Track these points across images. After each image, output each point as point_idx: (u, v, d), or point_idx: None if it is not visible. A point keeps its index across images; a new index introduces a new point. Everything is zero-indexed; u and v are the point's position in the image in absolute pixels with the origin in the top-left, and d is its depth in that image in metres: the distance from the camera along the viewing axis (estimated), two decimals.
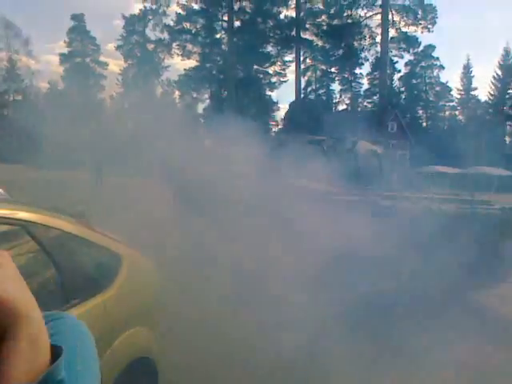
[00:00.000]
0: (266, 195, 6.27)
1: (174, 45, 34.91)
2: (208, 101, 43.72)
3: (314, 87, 65.10)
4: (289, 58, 31.94)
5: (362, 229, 5.38)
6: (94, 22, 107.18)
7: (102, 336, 2.09)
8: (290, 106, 33.68)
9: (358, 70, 62.32)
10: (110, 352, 2.13)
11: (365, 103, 65.54)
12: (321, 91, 64.78)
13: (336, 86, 65.55)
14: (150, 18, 38.93)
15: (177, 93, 55.09)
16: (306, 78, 63.70)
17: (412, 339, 4.39)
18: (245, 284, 5.09)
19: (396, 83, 66.71)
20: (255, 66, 33.60)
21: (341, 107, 67.15)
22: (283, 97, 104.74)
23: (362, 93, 65.37)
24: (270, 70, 34.09)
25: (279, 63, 33.24)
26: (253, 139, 6.73)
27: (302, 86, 65.52)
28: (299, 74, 27.87)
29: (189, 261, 5.44)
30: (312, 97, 66.54)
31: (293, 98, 56.18)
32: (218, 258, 5.54)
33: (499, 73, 64.96)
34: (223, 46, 32.20)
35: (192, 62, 39.91)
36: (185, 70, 40.00)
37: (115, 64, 64.56)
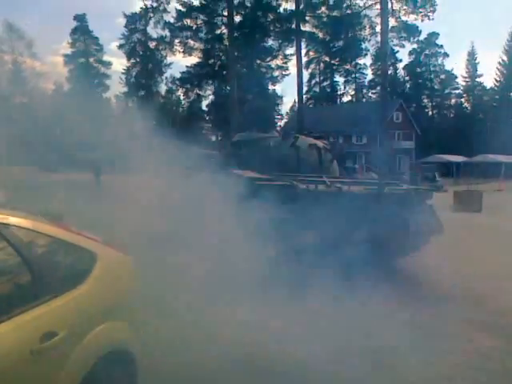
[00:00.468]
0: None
1: (176, 42, 35.10)
2: (211, 97, 44.16)
3: (318, 80, 65.08)
4: (290, 51, 32.02)
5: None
6: (97, 22, 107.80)
7: (74, 330, 2.19)
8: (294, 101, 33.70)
9: (361, 61, 62.21)
10: (83, 345, 2.22)
11: (369, 94, 65.36)
12: (325, 83, 64.72)
13: (340, 78, 65.66)
14: (151, 15, 39.05)
15: (180, 90, 55.47)
16: (310, 70, 63.71)
17: None
18: None
19: (400, 72, 66.44)
20: (257, 61, 33.63)
21: (346, 99, 67.14)
22: (288, 90, 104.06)
23: (366, 83, 65.31)
24: (272, 64, 34.22)
25: (281, 57, 33.32)
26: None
27: (306, 79, 65.51)
28: (300, 66, 27.78)
29: None
30: (316, 89, 66.48)
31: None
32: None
33: (504, 58, 64.33)
34: (224, 42, 32.22)
35: (194, 59, 40.19)
36: (187, 66, 40.19)
37: (120, 63, 64.76)
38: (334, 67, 56.38)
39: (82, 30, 62.08)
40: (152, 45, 50.11)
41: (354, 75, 63.68)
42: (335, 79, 63.57)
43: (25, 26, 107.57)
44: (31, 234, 2.27)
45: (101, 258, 2.64)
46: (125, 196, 7.62)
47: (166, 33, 35.94)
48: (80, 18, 62.01)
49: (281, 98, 69.84)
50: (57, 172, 35.67)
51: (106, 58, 65.33)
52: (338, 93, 65.63)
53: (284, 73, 34.54)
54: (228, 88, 31.98)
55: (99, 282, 2.55)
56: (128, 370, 2.62)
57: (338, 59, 52.18)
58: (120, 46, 55.25)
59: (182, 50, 35.08)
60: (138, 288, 2.99)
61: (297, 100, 30.34)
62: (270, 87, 46.82)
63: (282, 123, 62.88)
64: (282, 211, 6.15)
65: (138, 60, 54.45)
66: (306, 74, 64.45)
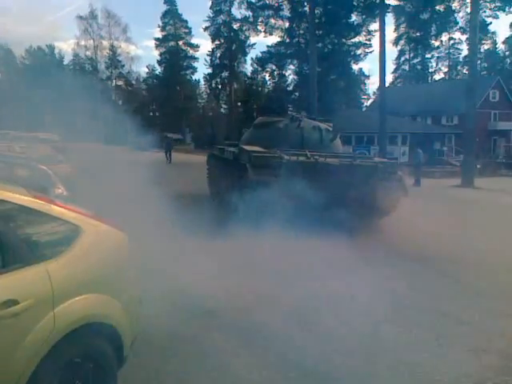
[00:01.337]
0: None
1: (258, 21, 34.94)
2: (292, 77, 43.69)
3: (407, 57, 61.83)
4: (375, 26, 30.45)
5: None
6: (187, 5, 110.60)
7: (42, 299, 2.26)
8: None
9: (456, 36, 57.95)
10: (52, 316, 2.28)
11: (464, 71, 60.84)
12: (415, 60, 61.30)
13: (433, 54, 61.71)
14: None
15: (267, 70, 55.49)
16: (399, 47, 60.66)
17: None
18: None
19: (500, 47, 61.03)
20: (340, 39, 32.58)
21: (438, 77, 63.18)
22: (377, 69, 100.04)
23: (460, 60, 60.83)
24: (355, 41, 32.91)
25: (364, 33, 31.91)
26: None
27: (395, 56, 62.45)
28: (384, 42, 26.46)
29: None
30: (406, 67, 63.23)
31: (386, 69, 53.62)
32: None
33: None
34: (306, 19, 31.53)
35: (275, 38, 39.65)
36: (267, 46, 39.88)
37: (208, 45, 66.18)
38: (428, 42, 52.59)
39: (171, 14, 64.14)
40: (236, 26, 50.60)
41: (447, 51, 59.63)
42: (426, 56, 59.90)
43: (121, 11, 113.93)
44: (4, 205, 2.37)
45: (85, 232, 2.69)
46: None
47: (249, 13, 36.09)
48: (170, 2, 64.08)
49: (368, 76, 67.56)
50: (147, 151, 37.93)
51: (194, 40, 67.32)
52: (430, 70, 61.88)
53: (367, 50, 33.14)
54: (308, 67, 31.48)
55: (80, 255, 2.59)
56: (111, 343, 2.66)
57: (426, 34, 48.72)
58: (205, 28, 56.40)
59: (263, 30, 35.04)
60: (131, 264, 3.03)
61: (383, 79, 28.86)
62: (355, 66, 45.43)
63: (368, 103, 61.01)
64: (268, 175, 8.30)
65: (222, 41, 55.29)
66: (394, 51, 61.65)
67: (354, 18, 31.38)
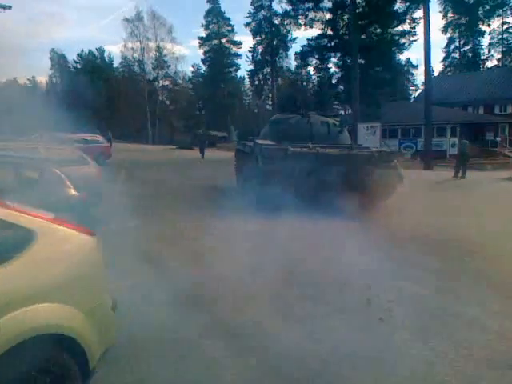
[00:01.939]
0: None
1: (299, 15, 34.43)
2: (333, 69, 42.80)
3: (457, 44, 59.29)
4: (420, 13, 29.12)
5: None
6: (229, 2, 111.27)
7: None
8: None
9: (510, 19, 54.90)
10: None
11: None
12: (466, 48, 58.69)
13: (484, 40, 58.79)
14: None
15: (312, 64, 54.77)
16: (449, 34, 58.24)
17: None
18: None
19: None
20: (383, 28, 31.55)
21: (490, 64, 60.16)
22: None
23: None
24: (400, 30, 31.67)
25: (409, 21, 30.61)
26: None
27: (444, 44, 60.02)
28: (428, 30, 25.31)
29: None
30: (456, 55, 60.67)
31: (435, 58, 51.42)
32: None
33: None
34: (347, 10, 30.77)
35: (316, 31, 38.79)
36: (307, 39, 39.23)
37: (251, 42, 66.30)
38: (474, 28, 50.10)
39: (214, 12, 64.68)
40: (277, 21, 50.23)
41: (500, 36, 56.63)
42: (478, 42, 57.17)
43: (167, 12, 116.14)
44: None
45: (41, 237, 2.56)
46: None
47: (290, 7, 35.64)
48: (212, 0, 64.61)
49: (416, 66, 65.36)
50: (191, 149, 38.63)
51: (237, 37, 67.59)
52: (482, 58, 59.02)
53: (412, 39, 31.84)
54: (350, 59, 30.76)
55: (32, 261, 2.46)
56: (73, 356, 2.54)
57: (474, 18, 46.22)
58: (246, 24, 56.37)
59: (303, 23, 34.51)
60: (98, 270, 2.90)
61: (429, 68, 27.74)
62: (401, 56, 43.85)
63: (416, 94, 58.97)
64: (275, 164, 9.68)
65: (263, 37, 55.13)
66: (444, 39, 59.23)
67: (397, 5, 30.28)
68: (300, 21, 36.52)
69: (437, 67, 69.89)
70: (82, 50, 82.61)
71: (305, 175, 9.38)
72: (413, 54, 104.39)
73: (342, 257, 6.32)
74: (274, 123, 12.69)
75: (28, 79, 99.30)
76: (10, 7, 43.93)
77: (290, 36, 50.40)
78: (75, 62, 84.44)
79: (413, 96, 61.67)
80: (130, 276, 5.45)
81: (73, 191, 5.44)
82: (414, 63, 66.53)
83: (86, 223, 5.56)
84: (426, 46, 26.13)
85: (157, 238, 7.57)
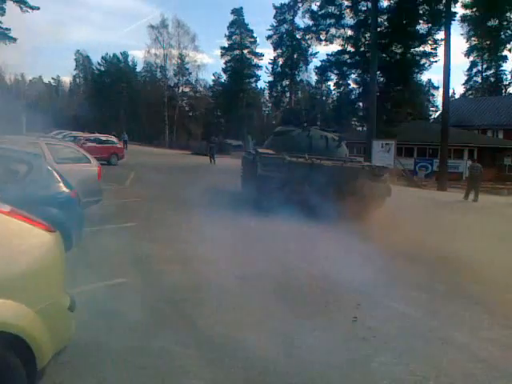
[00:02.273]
0: None
1: (321, 30, 34.38)
2: (355, 86, 42.64)
3: (480, 68, 58.71)
4: (442, 35, 28.86)
5: None
6: (253, 16, 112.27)
7: None
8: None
9: None
10: None
11: None
12: (488, 72, 58.07)
13: (508, 66, 58.10)
14: (300, 5, 39.09)
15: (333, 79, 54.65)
16: (472, 58, 57.68)
17: None
18: None
19: None
20: (404, 48, 31.35)
21: None
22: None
23: None
24: (421, 51, 31.35)
25: (430, 42, 30.26)
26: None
27: (466, 67, 59.51)
28: (449, 53, 25.00)
29: None
30: (477, 79, 60.08)
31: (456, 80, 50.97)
32: None
33: None
34: (367, 28, 30.66)
35: (336, 47, 38.54)
36: (327, 55, 39.15)
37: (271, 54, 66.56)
38: (495, 52, 49.64)
39: (238, 24, 65.18)
40: (298, 35, 50.36)
41: None
42: (501, 67, 56.52)
43: (193, 22, 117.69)
44: None
45: None
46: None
47: (312, 22, 35.70)
48: (237, 12, 65.23)
49: (437, 88, 64.93)
50: (206, 155, 38.98)
51: (259, 49, 67.99)
52: (504, 83, 58.32)
53: (432, 59, 31.52)
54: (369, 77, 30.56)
55: None
56: (19, 356, 2.40)
57: (497, 43, 45.62)
58: (268, 37, 56.60)
59: (324, 38, 34.49)
60: (54, 267, 2.77)
61: (447, 89, 27.50)
62: (423, 77, 43.57)
63: (436, 115, 58.42)
64: (272, 171, 10.61)
65: (284, 50, 55.28)
66: (466, 62, 58.70)
67: (419, 26, 30.05)
68: (321, 36, 36.52)
69: (458, 90, 69.41)
70: (107, 53, 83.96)
71: (299, 183, 10.37)
72: (434, 75, 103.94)
73: (330, 269, 6.29)
74: (277, 135, 13.61)
75: (52, 78, 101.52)
76: (38, 8, 44.94)
77: (310, 50, 50.56)
78: (99, 64, 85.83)
79: (433, 117, 61.25)
80: (114, 276, 5.35)
81: (63, 188, 5.35)
82: (436, 84, 66.21)
83: (73, 220, 5.52)
84: (445, 68, 25.84)
85: (150, 239, 7.46)
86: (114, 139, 25.78)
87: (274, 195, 10.16)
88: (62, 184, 5.32)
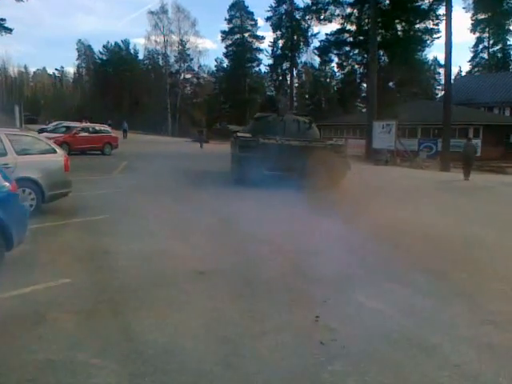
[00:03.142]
0: None
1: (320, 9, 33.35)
2: (356, 67, 41.55)
3: (486, 44, 57.17)
4: (444, 10, 27.67)
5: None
6: None
7: None
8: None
9: None
10: None
11: None
12: (495, 48, 56.51)
13: None
14: None
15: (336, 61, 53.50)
16: (478, 34, 56.15)
17: None
18: None
19: None
20: (406, 25, 30.24)
21: None
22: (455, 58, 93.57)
23: None
24: (422, 27, 30.18)
25: (432, 18, 29.11)
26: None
27: (472, 44, 58.01)
28: (450, 28, 24.03)
29: None
30: (484, 55, 58.53)
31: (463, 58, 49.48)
32: None
33: None
34: (366, 5, 29.59)
35: (335, 26, 37.35)
36: (326, 34, 38.06)
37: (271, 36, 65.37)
38: (499, 26, 47.94)
39: (238, 6, 64.03)
40: (298, 15, 49.12)
41: None
42: (509, 42, 54.88)
43: (191, 6, 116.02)
44: None
45: None
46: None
47: (311, 1, 34.65)
48: None
49: (443, 66, 63.33)
50: (207, 142, 38.87)
51: (260, 32, 66.68)
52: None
53: (435, 36, 30.39)
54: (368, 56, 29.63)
55: None
56: None
57: (501, 15, 44.03)
58: (267, 19, 55.40)
59: (322, 18, 33.46)
60: None
61: (449, 66, 26.50)
62: (430, 56, 42.17)
63: (442, 93, 57.08)
64: (248, 152, 12.32)
65: (283, 31, 54.10)
66: (473, 39, 57.14)
67: (420, 2, 28.92)
68: (322, 16, 35.50)
69: (465, 68, 67.79)
70: (108, 42, 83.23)
71: (271, 161, 11.89)
72: (440, 53, 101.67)
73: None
74: (257, 120, 15.22)
75: (56, 69, 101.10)
76: None
77: (311, 31, 49.30)
78: (101, 53, 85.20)
79: (439, 96, 59.93)
80: (60, 276, 4.92)
81: (3, 182, 4.86)
82: (442, 63, 64.69)
83: (12, 218, 5.05)
84: (447, 44, 24.92)
85: (115, 233, 6.98)
86: (108, 128, 25.32)
87: (250, 172, 11.88)
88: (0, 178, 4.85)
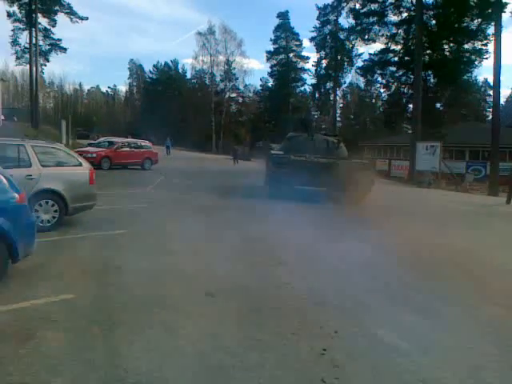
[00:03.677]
0: None
1: (364, 29, 32.93)
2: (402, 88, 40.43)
3: None
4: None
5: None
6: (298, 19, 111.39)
7: None
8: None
9: None
10: None
11: None
12: None
13: None
14: (344, 4, 37.67)
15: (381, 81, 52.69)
16: None
17: None
18: None
19: None
20: (454, 45, 29.31)
21: None
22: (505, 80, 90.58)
23: None
24: (470, 48, 29.12)
25: (480, 38, 28.04)
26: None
27: None
28: (499, 48, 22.99)
29: None
30: None
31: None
32: None
33: None
34: (412, 26, 28.94)
35: (380, 46, 36.78)
36: (369, 54, 37.32)
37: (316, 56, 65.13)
38: None
39: (283, 28, 64.57)
40: (342, 35, 48.83)
41: None
42: None
43: (237, 26, 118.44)
44: None
45: None
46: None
47: (354, 21, 34.29)
48: (283, 16, 64.63)
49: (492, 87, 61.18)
50: (249, 160, 39.06)
51: (305, 53, 66.90)
52: None
53: (484, 57, 29.21)
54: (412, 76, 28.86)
55: None
56: None
57: None
58: (311, 39, 55.37)
59: (366, 38, 33.01)
60: None
61: (498, 87, 25.45)
62: (481, 78, 40.74)
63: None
64: (280, 168, 13.50)
65: (327, 51, 53.83)
66: None
67: (468, 21, 27.89)
68: (366, 36, 35.11)
69: None
70: (158, 62, 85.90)
71: (301, 176, 12.75)
72: (490, 74, 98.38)
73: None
74: (289, 139, 16.03)
75: (109, 87, 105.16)
76: (86, 18, 46.30)
77: (355, 52, 48.78)
78: (151, 72, 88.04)
79: (489, 118, 57.79)
80: (63, 291, 4.79)
81: (8, 191, 4.81)
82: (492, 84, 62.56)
83: (19, 230, 4.98)
84: (495, 65, 23.90)
85: (131, 248, 6.85)
86: (148, 144, 25.75)
87: (282, 186, 13.30)
88: (7, 187, 4.80)
